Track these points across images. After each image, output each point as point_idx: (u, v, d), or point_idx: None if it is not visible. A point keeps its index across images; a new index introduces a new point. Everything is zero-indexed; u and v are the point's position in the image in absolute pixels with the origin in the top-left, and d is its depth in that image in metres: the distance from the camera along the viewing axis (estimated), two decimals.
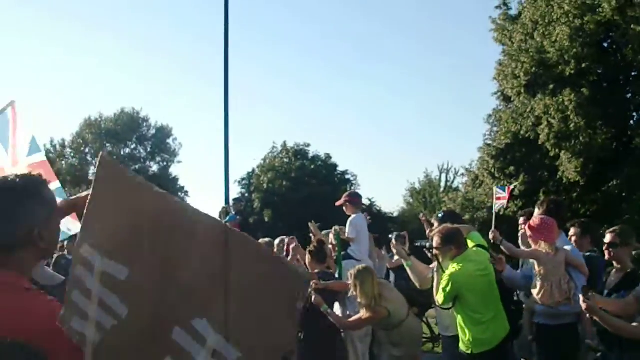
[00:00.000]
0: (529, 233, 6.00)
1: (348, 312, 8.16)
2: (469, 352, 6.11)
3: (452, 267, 6.07)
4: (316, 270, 7.97)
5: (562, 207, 6.85)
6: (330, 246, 8.71)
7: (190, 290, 2.21)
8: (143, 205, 2.29)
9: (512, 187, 7.04)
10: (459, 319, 6.19)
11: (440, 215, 7.55)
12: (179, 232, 2.23)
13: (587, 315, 5.66)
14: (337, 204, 9.41)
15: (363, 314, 7.20)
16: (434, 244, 6.19)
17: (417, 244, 8.39)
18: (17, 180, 2.26)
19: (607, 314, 5.10)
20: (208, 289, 2.20)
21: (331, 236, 8.84)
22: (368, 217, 10.30)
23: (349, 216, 9.42)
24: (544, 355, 5.88)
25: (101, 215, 2.34)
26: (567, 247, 6.08)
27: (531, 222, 5.98)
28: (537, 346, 6.01)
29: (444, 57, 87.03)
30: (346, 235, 8.71)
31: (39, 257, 2.34)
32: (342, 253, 8.52)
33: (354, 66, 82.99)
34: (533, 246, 6.00)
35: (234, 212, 18.38)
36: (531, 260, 6.06)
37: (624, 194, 24.27)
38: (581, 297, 5.05)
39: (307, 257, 8.20)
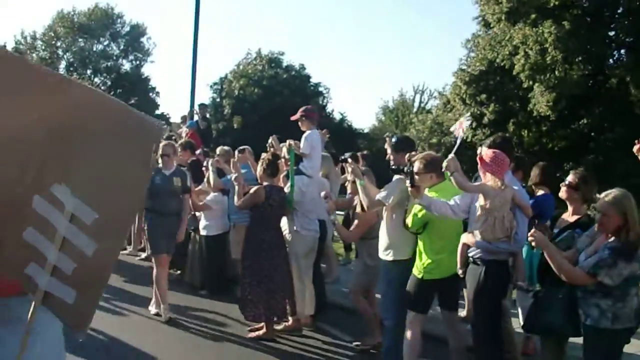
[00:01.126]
0: (479, 165, 5.88)
1: (295, 228, 8.29)
2: (420, 276, 6.28)
3: (430, 195, 6.15)
4: (265, 183, 8.11)
5: (512, 145, 6.75)
6: (282, 160, 8.71)
7: (47, 155, 2.20)
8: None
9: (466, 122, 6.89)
10: (421, 244, 6.33)
11: (394, 140, 7.47)
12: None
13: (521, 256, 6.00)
14: (293, 118, 9.19)
15: (357, 223, 7.66)
16: (415, 169, 6.14)
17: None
18: None
19: (556, 249, 5.21)
20: (65, 152, 2.19)
21: (284, 150, 8.79)
22: (327, 135, 10.07)
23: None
24: (474, 287, 5.86)
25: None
26: (515, 187, 5.99)
27: (482, 154, 5.83)
28: (468, 279, 5.99)
29: None
30: (300, 150, 8.54)
31: None
32: (294, 168, 8.37)
33: None
34: (482, 179, 5.90)
35: (200, 117, 18.12)
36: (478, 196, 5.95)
37: (592, 134, 24.29)
38: (532, 231, 5.15)
39: (259, 170, 8.30)
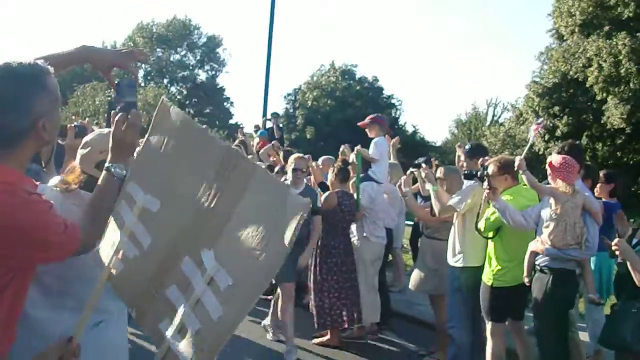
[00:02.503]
0: (548, 171, 5.89)
1: (365, 234, 8.25)
2: (490, 284, 6.19)
3: (504, 197, 6.09)
4: (336, 190, 8.05)
5: (582, 152, 6.74)
6: (351, 167, 8.69)
7: (204, 222, 2.34)
8: (197, 150, 2.47)
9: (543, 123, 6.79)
10: (492, 250, 6.23)
11: (467, 147, 7.51)
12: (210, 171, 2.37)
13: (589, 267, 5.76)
14: (361, 124, 9.29)
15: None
16: (490, 172, 6.16)
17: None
18: (21, 67, 2.14)
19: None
20: (219, 222, 2.29)
21: (352, 155, 8.80)
22: (399, 144, 10.20)
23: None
24: (541, 296, 5.83)
25: (152, 157, 2.60)
26: (586, 194, 6.00)
27: (552, 160, 5.85)
28: (534, 288, 5.95)
29: None
30: (370, 155, 8.65)
31: (38, 148, 2.28)
32: (361, 175, 8.46)
33: None
34: (552, 185, 5.93)
35: (271, 126, 18.55)
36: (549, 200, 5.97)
37: None
38: (616, 240, 5.00)
39: (331, 176, 8.24)
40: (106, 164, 2.56)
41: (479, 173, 6.22)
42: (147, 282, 2.53)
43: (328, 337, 8.07)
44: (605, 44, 22.88)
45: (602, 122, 23.80)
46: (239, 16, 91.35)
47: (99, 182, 2.56)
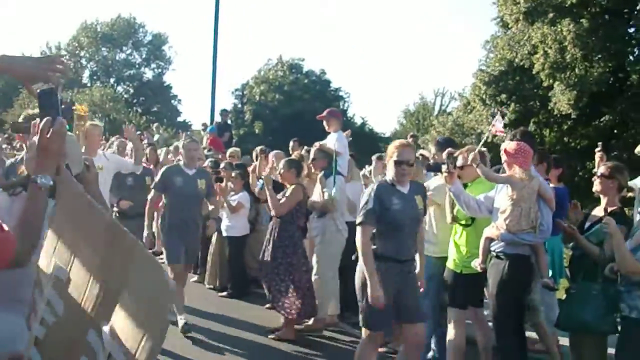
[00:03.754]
0: (504, 158, 5.94)
1: (339, 227, 8.38)
2: (459, 270, 6.40)
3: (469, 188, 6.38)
4: (295, 184, 8.21)
5: (533, 138, 6.79)
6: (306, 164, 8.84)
7: (106, 296, 2.37)
8: (90, 220, 2.57)
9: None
10: (464, 238, 6.42)
11: (439, 140, 7.84)
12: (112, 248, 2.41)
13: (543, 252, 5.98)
14: (319, 117, 9.35)
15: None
16: (460, 163, 6.38)
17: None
18: None
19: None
20: (111, 295, 2.33)
21: (313, 150, 8.87)
22: (349, 136, 10.20)
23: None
24: (497, 282, 5.88)
25: (60, 230, 2.74)
26: (540, 179, 6.05)
27: (507, 147, 5.89)
28: (490, 274, 6.02)
29: None
30: (335, 149, 8.66)
31: None
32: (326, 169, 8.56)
33: None
34: (507, 172, 5.95)
35: (221, 122, 18.34)
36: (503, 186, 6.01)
37: (615, 131, 24.12)
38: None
39: (285, 171, 8.24)
40: (32, 175, 2.47)
41: (443, 166, 6.17)
42: (63, 350, 2.58)
43: (284, 330, 8.09)
44: (550, 31, 23.00)
45: (549, 108, 23.95)
46: (184, 13, 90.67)
47: (27, 194, 2.48)
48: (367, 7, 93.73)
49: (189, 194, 8.20)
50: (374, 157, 9.47)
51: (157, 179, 8.48)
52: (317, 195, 8.36)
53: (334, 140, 8.94)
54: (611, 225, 5.05)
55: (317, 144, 8.85)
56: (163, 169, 8.70)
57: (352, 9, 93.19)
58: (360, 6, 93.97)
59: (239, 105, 44.76)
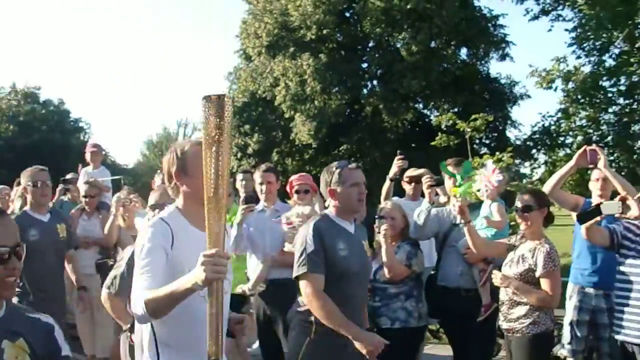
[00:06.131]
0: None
1: None
2: None
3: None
4: None
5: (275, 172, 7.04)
6: None
7: None
8: None
9: None
10: None
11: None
12: None
13: None
14: (89, 150, 9.55)
15: None
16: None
17: None
18: None
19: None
20: None
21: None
22: None
23: (87, 164, 9.51)
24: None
25: None
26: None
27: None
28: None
29: (190, 13, 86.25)
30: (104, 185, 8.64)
31: None
32: None
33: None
34: None
35: None
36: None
37: (352, 158, 25.49)
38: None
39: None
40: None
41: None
42: None
43: None
44: (291, 64, 23.92)
45: (291, 138, 24.88)
46: None
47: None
48: (109, 32, 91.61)
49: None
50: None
51: None
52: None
53: (103, 176, 8.89)
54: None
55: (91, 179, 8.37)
56: None
57: (92, 38, 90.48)
58: (102, 31, 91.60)
59: None
